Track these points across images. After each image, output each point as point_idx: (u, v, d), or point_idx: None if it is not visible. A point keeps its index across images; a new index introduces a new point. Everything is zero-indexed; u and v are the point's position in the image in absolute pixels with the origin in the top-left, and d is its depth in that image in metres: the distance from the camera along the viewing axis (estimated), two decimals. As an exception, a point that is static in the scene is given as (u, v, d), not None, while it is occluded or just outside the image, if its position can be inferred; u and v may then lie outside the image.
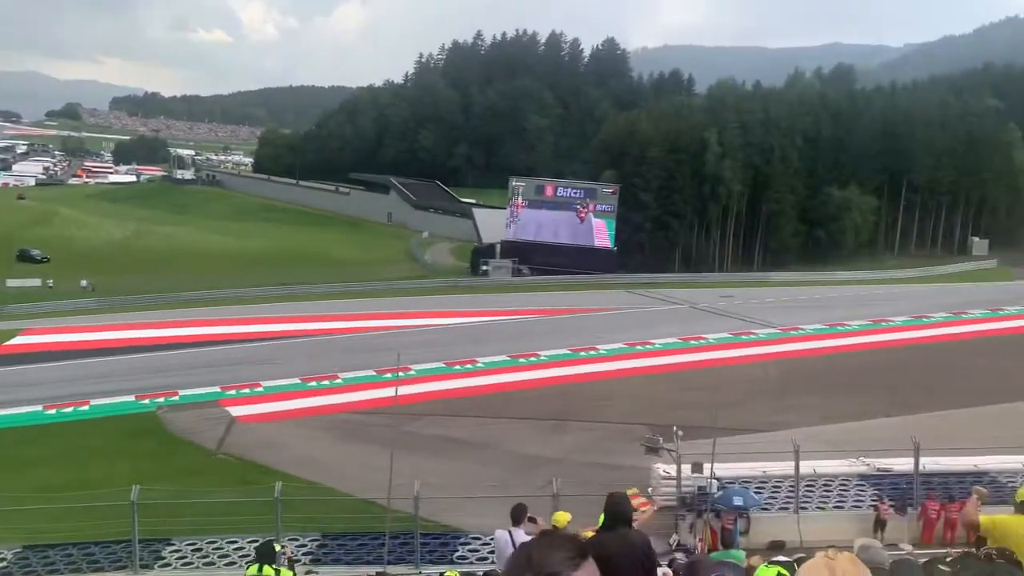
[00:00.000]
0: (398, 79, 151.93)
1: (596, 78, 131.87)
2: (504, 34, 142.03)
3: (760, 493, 18.60)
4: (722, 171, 71.31)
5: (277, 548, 10.76)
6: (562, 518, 10.45)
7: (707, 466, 17.42)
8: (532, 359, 37.15)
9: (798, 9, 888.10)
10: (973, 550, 5.06)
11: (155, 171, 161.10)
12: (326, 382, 33.24)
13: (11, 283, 58.36)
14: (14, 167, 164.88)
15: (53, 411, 29.52)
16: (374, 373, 33.67)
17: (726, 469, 19.44)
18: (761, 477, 19.46)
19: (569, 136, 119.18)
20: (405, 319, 46.68)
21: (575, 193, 67.77)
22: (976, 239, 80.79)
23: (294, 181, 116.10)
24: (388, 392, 28.42)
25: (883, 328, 44.35)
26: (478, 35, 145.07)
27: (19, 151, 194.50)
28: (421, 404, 28.39)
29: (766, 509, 18.25)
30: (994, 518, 6.03)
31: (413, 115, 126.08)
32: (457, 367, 35.66)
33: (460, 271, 67.70)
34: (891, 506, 17.85)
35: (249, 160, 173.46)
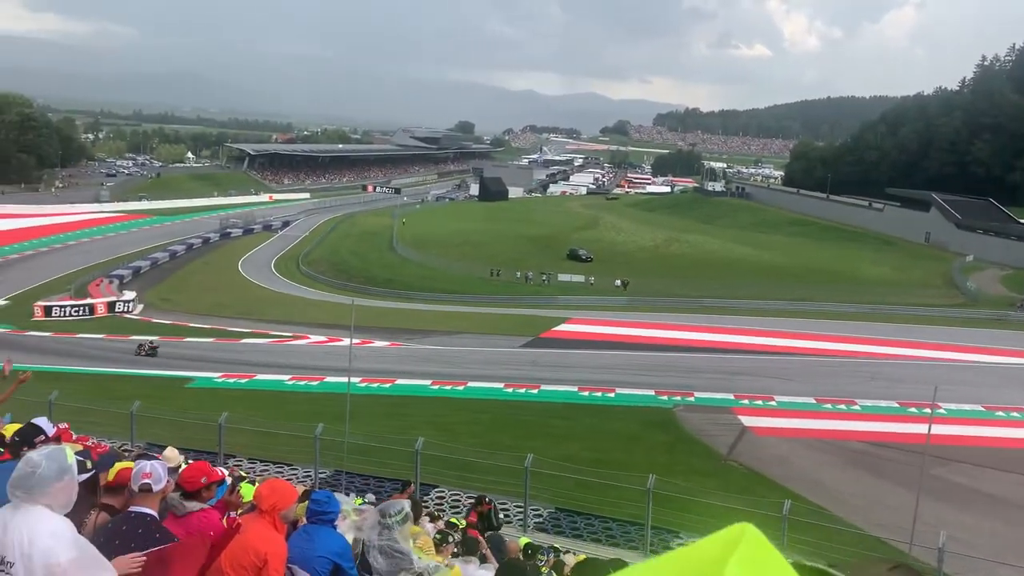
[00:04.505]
0: (952, 86, 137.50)
1: None
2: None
3: None
4: None
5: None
6: None
7: None
8: (1104, 419, 30.30)
9: None
10: None
11: (688, 183, 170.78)
12: (843, 406, 31.39)
13: (562, 277, 67.12)
14: (571, 177, 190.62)
15: (586, 393, 33.02)
16: (897, 405, 30.96)
17: None
18: None
19: None
20: (939, 351, 41.95)
21: None
22: None
23: (824, 195, 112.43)
24: (912, 428, 25.82)
25: None
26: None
27: (576, 164, 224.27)
28: (953, 448, 25.08)
29: None
30: None
31: (966, 124, 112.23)
32: (999, 413, 30.82)
33: (1012, 302, 58.40)
34: None
35: (779, 173, 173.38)
